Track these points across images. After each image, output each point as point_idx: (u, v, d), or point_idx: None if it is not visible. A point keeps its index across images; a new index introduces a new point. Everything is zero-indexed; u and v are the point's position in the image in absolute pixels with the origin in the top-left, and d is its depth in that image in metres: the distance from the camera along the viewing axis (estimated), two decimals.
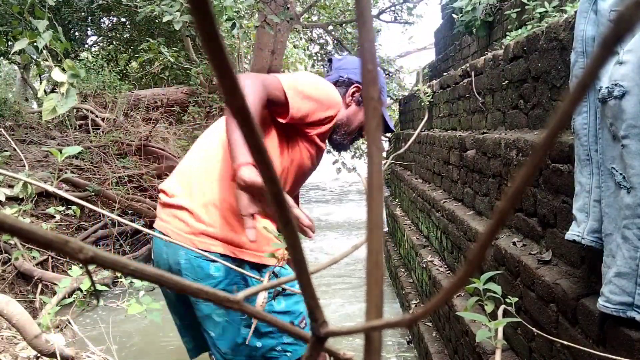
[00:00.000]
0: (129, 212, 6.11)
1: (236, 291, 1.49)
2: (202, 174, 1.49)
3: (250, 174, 1.18)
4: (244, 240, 1.41)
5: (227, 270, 1.39)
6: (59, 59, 2.07)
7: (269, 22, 4.32)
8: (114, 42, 11.17)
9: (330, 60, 1.82)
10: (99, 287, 3.03)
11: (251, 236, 1.20)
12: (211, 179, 1.47)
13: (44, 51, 1.97)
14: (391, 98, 9.44)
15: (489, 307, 1.24)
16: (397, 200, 6.13)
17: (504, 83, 2.45)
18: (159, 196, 1.58)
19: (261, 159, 0.23)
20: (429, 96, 4.41)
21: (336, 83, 1.70)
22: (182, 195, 1.48)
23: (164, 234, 1.44)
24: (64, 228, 5.42)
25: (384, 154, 5.76)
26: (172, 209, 1.48)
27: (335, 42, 10.68)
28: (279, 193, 0.24)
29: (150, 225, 5.92)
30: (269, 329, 1.46)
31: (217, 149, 1.52)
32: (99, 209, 1.19)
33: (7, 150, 5.45)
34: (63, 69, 1.91)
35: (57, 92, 1.88)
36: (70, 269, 2.54)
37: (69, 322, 2.67)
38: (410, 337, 3.65)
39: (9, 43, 7.31)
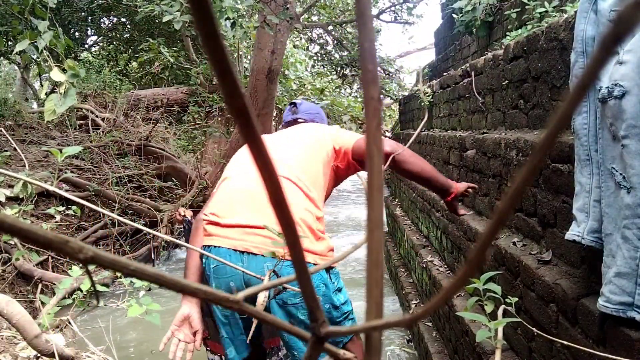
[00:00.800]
0: (129, 212, 6.11)
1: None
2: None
3: (462, 185, 1.97)
4: (320, 249, 1.68)
5: (314, 276, 1.61)
6: (59, 59, 2.07)
7: (268, 23, 4.31)
8: (114, 42, 11.17)
9: (294, 104, 2.19)
10: (98, 287, 3.03)
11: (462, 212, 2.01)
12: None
13: (44, 51, 1.97)
14: (391, 98, 9.44)
15: (489, 307, 1.24)
16: (397, 200, 6.13)
17: (504, 83, 2.45)
18: (212, 219, 1.70)
19: (263, 161, 0.23)
20: (429, 96, 4.41)
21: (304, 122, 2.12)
22: (254, 216, 1.65)
23: (241, 251, 1.63)
24: (64, 228, 5.42)
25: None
26: (246, 228, 1.64)
27: (335, 42, 10.69)
28: (279, 194, 0.24)
29: (150, 225, 5.92)
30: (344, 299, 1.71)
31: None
32: (99, 209, 1.20)
33: (7, 150, 5.45)
34: (63, 69, 1.91)
35: (56, 93, 1.88)
36: (70, 269, 2.53)
37: (69, 322, 2.67)
38: (410, 337, 3.65)
39: (9, 43, 7.31)
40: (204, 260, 1.68)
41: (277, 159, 1.79)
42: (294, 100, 2.22)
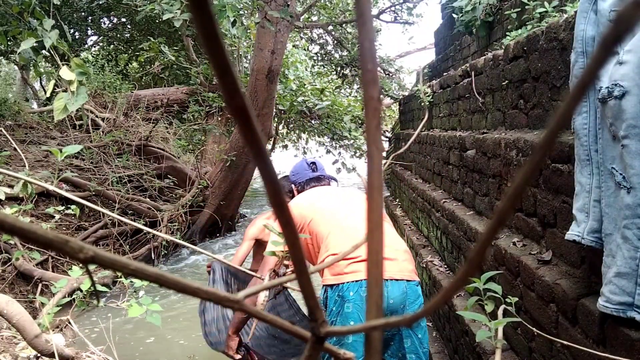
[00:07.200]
0: (129, 212, 6.10)
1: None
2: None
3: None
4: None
5: (417, 292, 2.00)
6: (65, 57, 2.07)
7: (269, 19, 4.32)
8: (114, 42, 11.16)
9: (313, 163, 2.45)
10: (99, 287, 3.03)
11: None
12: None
13: (51, 50, 1.97)
14: (391, 98, 9.44)
15: (489, 307, 1.24)
16: (397, 200, 6.13)
17: (504, 83, 2.45)
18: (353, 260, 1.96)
19: (260, 157, 0.23)
20: (429, 96, 4.40)
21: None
22: (386, 249, 1.99)
23: (384, 279, 1.89)
24: (64, 228, 5.42)
25: (384, 154, 5.77)
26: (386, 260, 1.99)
27: (335, 42, 10.69)
28: (278, 192, 0.24)
29: (150, 225, 5.93)
30: None
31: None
32: (99, 209, 1.19)
33: (7, 150, 5.45)
34: (69, 67, 1.90)
35: (62, 91, 1.88)
36: (70, 269, 2.53)
37: (69, 322, 2.67)
38: None
39: (9, 43, 7.31)
40: (337, 292, 1.90)
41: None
42: (310, 160, 2.49)
